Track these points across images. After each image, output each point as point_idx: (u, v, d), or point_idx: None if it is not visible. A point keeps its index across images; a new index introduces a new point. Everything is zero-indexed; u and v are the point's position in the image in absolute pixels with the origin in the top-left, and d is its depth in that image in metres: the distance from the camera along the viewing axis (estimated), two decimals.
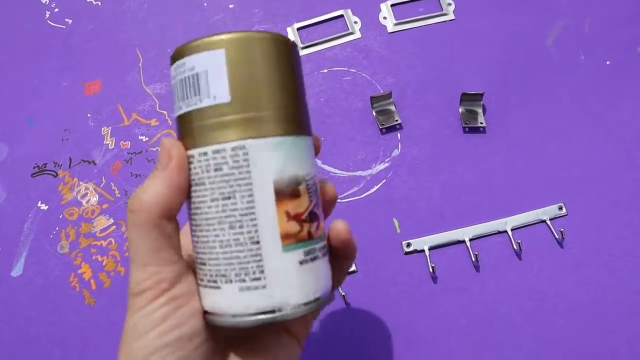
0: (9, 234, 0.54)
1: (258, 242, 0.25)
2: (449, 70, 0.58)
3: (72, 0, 0.65)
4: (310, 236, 0.26)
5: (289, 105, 0.26)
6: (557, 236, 0.50)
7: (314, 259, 0.26)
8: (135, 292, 0.26)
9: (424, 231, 0.51)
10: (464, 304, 0.48)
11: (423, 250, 0.50)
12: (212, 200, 0.26)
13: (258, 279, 0.25)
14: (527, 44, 0.59)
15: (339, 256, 0.31)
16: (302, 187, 0.26)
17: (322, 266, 0.27)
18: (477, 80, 0.57)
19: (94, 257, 0.52)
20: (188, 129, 0.26)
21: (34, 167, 0.57)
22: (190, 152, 0.26)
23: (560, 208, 0.51)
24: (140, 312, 0.25)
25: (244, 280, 0.25)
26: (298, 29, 0.62)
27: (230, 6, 0.64)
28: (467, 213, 0.51)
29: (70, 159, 0.57)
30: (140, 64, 0.61)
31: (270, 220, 0.25)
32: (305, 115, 0.28)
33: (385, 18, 0.62)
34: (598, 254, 0.49)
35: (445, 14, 0.62)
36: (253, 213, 0.25)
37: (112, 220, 0.54)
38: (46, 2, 0.65)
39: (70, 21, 0.64)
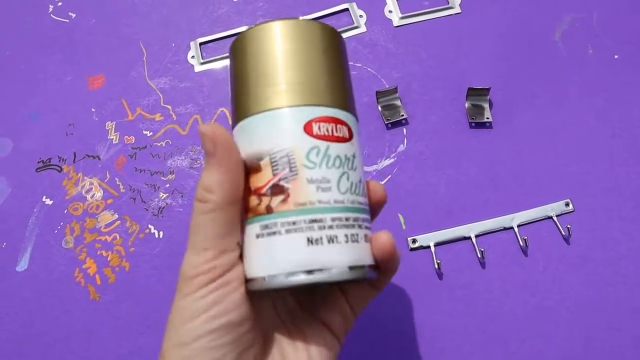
0: (14, 229, 0.54)
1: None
2: (455, 65, 0.57)
3: None
4: (269, 210, 0.26)
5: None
6: (563, 233, 0.49)
7: (271, 233, 0.26)
8: (189, 276, 0.26)
9: (430, 227, 0.50)
10: (469, 301, 0.47)
11: (429, 247, 0.49)
12: None
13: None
14: (534, 38, 0.58)
15: (378, 270, 0.30)
16: (264, 162, 0.26)
17: (285, 243, 0.26)
18: (483, 75, 0.56)
19: (98, 252, 0.52)
20: None
21: (39, 162, 0.56)
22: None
23: (567, 204, 0.50)
24: (191, 296, 0.25)
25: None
26: None
27: None
28: (473, 209, 0.50)
29: (74, 154, 0.56)
30: (144, 58, 0.60)
31: (242, 194, 0.27)
32: (277, 92, 0.27)
33: (390, 12, 0.61)
34: (605, 250, 0.48)
35: (451, 8, 0.61)
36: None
37: (117, 216, 0.53)
38: None
39: (73, 15, 0.64)
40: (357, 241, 0.26)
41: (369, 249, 0.28)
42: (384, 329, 0.47)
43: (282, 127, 0.26)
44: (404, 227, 0.51)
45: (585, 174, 0.51)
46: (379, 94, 0.55)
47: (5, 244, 0.54)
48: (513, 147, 0.53)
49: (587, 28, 0.58)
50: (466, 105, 0.54)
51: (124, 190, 0.54)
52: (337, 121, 0.27)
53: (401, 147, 0.54)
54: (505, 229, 0.49)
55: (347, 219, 0.26)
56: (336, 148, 0.26)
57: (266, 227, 0.26)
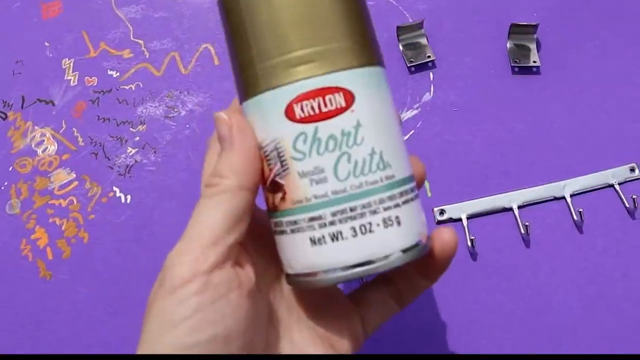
0: None
1: None
2: None
3: None
4: (274, 208, 0.26)
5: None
6: (627, 204, 0.45)
7: (281, 232, 0.26)
8: (179, 281, 0.24)
9: (462, 196, 0.47)
10: (509, 287, 0.44)
11: (460, 220, 0.46)
12: None
13: None
14: None
15: (421, 273, 0.30)
16: (261, 154, 0.26)
17: (292, 243, 0.26)
18: (530, 8, 0.52)
19: (51, 220, 0.49)
20: None
21: None
22: None
23: (632, 170, 0.46)
24: (176, 295, 0.24)
25: None
26: None
27: None
28: (515, 174, 0.47)
29: (22, 98, 0.53)
30: None
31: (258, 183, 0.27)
32: (266, 68, 0.25)
33: None
34: None
35: None
36: None
37: (74, 175, 0.50)
38: None
39: None
40: (372, 231, 0.25)
41: (402, 230, 0.25)
42: (404, 318, 0.44)
43: (265, 116, 0.25)
44: (429, 194, 0.47)
45: None
46: (401, 30, 0.51)
47: None
48: (565, 99, 0.49)
49: None
50: (508, 45, 0.50)
51: (83, 144, 0.51)
52: (325, 91, 0.24)
53: (427, 96, 0.50)
54: (555, 199, 0.46)
55: (352, 209, 0.25)
56: (327, 127, 0.24)
57: (275, 225, 0.26)
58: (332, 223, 0.25)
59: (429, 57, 0.50)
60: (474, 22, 0.52)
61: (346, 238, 0.25)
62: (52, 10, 0.56)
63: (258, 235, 0.29)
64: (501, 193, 0.46)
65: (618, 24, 0.51)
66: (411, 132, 0.48)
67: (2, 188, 0.50)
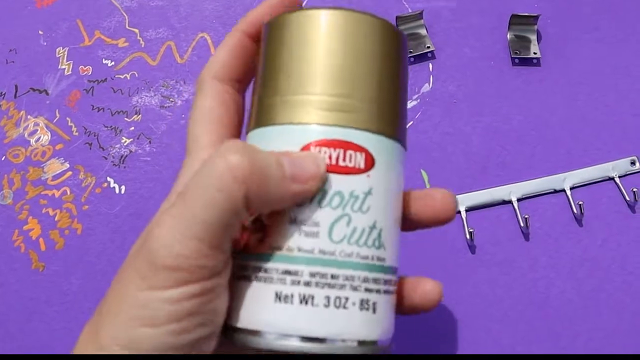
0: None
1: None
2: None
3: None
4: (245, 249, 0.24)
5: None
6: (628, 198, 0.45)
7: (241, 277, 0.23)
8: (167, 265, 0.21)
9: (460, 187, 0.46)
10: (508, 280, 0.44)
11: (459, 212, 0.46)
12: None
13: None
14: None
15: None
16: None
17: (253, 292, 0.23)
18: None
19: (44, 211, 0.48)
20: None
21: None
22: None
23: (633, 163, 0.46)
24: (161, 292, 0.21)
25: None
26: None
27: None
28: (515, 166, 0.47)
29: (16, 87, 0.52)
30: None
31: None
32: (263, 111, 0.25)
33: None
34: None
35: None
36: None
37: (68, 165, 0.49)
38: None
39: None
40: (346, 307, 0.22)
41: (375, 320, 0.24)
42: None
43: (279, 147, 0.23)
44: (427, 185, 0.46)
45: None
46: (400, 20, 0.50)
47: None
48: (566, 91, 0.49)
49: None
50: (508, 36, 0.50)
51: (77, 134, 0.50)
52: (349, 146, 0.23)
53: (426, 87, 0.49)
54: (555, 191, 0.46)
55: (334, 277, 0.22)
56: (338, 182, 0.23)
57: (240, 268, 0.23)
58: (307, 284, 0.22)
59: (428, 47, 0.49)
60: (473, 12, 0.51)
61: (316, 305, 0.22)
62: None
63: None
64: (500, 185, 0.46)
65: (619, 16, 0.50)
66: (410, 123, 0.47)
67: None
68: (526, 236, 0.44)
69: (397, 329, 0.43)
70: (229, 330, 0.23)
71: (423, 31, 0.50)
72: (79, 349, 0.22)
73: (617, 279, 0.43)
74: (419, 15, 0.49)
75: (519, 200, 0.45)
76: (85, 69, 0.52)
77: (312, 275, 0.22)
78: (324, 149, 0.23)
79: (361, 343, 0.23)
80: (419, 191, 0.28)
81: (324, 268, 0.22)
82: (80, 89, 0.51)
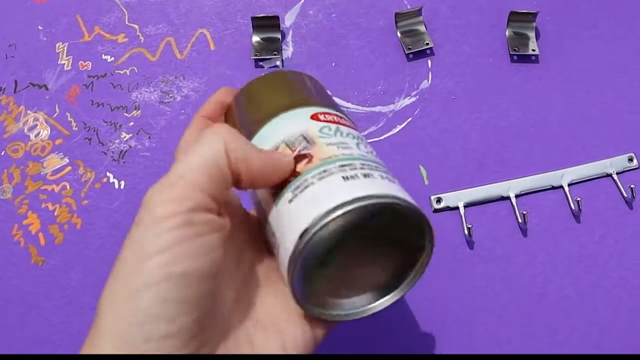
0: None
1: None
2: None
3: None
4: (295, 174, 0.27)
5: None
6: (625, 194, 0.45)
7: (304, 188, 0.26)
8: (158, 215, 0.23)
9: (459, 184, 0.46)
10: (506, 276, 0.44)
11: (457, 208, 0.45)
12: None
13: None
14: None
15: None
16: (280, 149, 0.29)
17: (321, 187, 0.26)
18: None
19: (43, 206, 0.47)
20: None
21: None
22: None
23: (631, 159, 0.46)
24: (152, 229, 0.23)
25: None
26: None
27: None
28: (513, 162, 0.47)
29: (15, 82, 0.52)
30: None
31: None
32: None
33: None
34: None
35: None
36: None
37: (67, 160, 0.49)
38: None
39: None
40: (393, 181, 0.28)
41: (396, 186, 0.28)
42: (400, 307, 0.43)
43: (293, 120, 0.29)
44: (426, 182, 0.46)
45: None
46: (399, 17, 0.50)
47: None
48: (564, 87, 0.49)
49: None
50: (507, 33, 0.50)
51: (76, 129, 0.50)
52: (339, 116, 0.31)
53: (425, 84, 0.49)
54: (553, 188, 0.46)
55: (377, 166, 0.28)
56: (346, 128, 0.30)
57: (297, 187, 0.26)
58: (362, 167, 0.27)
59: (427, 44, 0.49)
60: (472, 9, 0.51)
61: (376, 178, 0.26)
62: None
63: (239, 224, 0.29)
64: (499, 181, 0.46)
65: (617, 14, 0.50)
66: (409, 120, 0.47)
67: None
68: (524, 232, 0.44)
69: (396, 325, 0.43)
70: (308, 232, 0.25)
71: (422, 28, 0.50)
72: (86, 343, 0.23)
73: (614, 275, 0.43)
74: (418, 12, 0.49)
75: (517, 196, 0.45)
76: (84, 64, 0.51)
77: (362, 165, 0.27)
78: (326, 115, 0.30)
79: (395, 197, 0.26)
80: None
81: (367, 162, 0.27)
82: (79, 84, 0.51)
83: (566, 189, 0.45)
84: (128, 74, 0.50)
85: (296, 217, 0.26)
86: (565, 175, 0.45)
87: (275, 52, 0.49)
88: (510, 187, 0.45)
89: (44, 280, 0.45)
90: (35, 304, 0.44)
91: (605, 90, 0.48)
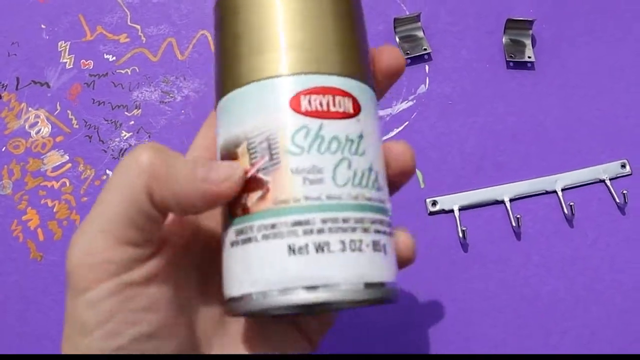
0: None
1: None
2: None
3: None
4: (245, 210, 0.22)
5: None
6: (618, 200, 0.45)
7: (246, 240, 0.22)
8: (88, 264, 0.21)
9: (454, 187, 0.46)
10: (501, 279, 0.44)
11: (452, 211, 0.45)
12: None
13: None
14: None
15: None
16: (241, 149, 0.23)
17: (262, 252, 0.21)
18: (526, 4, 0.51)
19: (42, 202, 0.47)
20: None
21: None
22: None
23: (624, 166, 0.46)
24: (84, 297, 0.21)
25: None
26: None
27: None
28: (508, 167, 0.46)
29: (17, 79, 0.51)
30: None
31: None
32: (262, 60, 0.23)
33: None
34: None
35: None
36: None
37: (67, 157, 0.48)
38: None
39: None
40: (361, 250, 0.21)
41: (386, 261, 0.23)
42: (394, 310, 0.43)
43: (263, 103, 0.22)
44: (422, 185, 0.46)
45: None
46: (397, 22, 0.50)
47: None
48: (559, 93, 0.49)
49: None
50: (504, 40, 0.50)
51: (77, 127, 0.50)
52: (336, 92, 0.23)
53: (422, 88, 0.49)
54: (547, 192, 0.46)
55: (345, 220, 0.21)
56: (333, 127, 0.22)
57: (241, 232, 0.22)
58: (320, 231, 0.21)
59: (425, 49, 0.49)
60: (470, 15, 0.51)
61: (332, 251, 0.21)
62: None
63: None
64: (494, 186, 0.46)
65: (613, 21, 0.50)
66: (405, 124, 0.47)
67: None
68: (518, 235, 0.44)
69: (391, 327, 0.43)
70: (229, 302, 0.22)
71: (420, 33, 0.50)
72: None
73: (607, 277, 0.43)
74: (417, 18, 0.49)
75: (511, 200, 0.45)
76: (86, 63, 0.51)
77: (324, 221, 0.21)
78: (313, 96, 0.22)
79: (377, 285, 0.22)
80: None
81: (334, 213, 0.21)
82: (81, 83, 0.50)
83: (560, 193, 0.45)
84: (129, 73, 0.50)
85: (232, 270, 0.22)
86: (559, 181, 0.45)
87: None
88: (505, 192, 0.45)
89: (42, 275, 0.45)
90: (34, 299, 0.44)
91: (600, 98, 0.48)
